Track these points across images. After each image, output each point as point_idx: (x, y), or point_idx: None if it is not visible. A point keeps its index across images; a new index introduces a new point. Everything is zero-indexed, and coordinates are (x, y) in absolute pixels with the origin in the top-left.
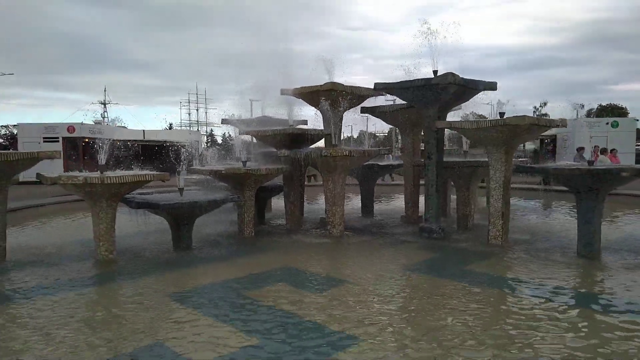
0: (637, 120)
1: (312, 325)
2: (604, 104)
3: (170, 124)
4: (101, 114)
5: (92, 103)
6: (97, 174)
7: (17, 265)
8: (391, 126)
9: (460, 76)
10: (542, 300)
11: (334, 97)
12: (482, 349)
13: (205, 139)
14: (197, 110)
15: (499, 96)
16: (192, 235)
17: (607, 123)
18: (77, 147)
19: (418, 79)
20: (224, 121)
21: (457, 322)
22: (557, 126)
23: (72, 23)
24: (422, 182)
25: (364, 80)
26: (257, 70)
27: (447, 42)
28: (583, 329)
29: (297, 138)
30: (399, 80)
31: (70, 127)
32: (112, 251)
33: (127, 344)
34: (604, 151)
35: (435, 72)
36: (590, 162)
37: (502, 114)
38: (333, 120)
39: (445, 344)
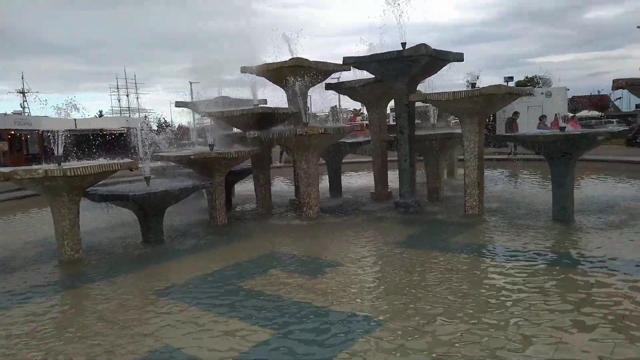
0: (568, 89)
1: (324, 311)
2: (530, 75)
3: (100, 111)
4: (20, 104)
5: (9, 92)
6: (54, 166)
7: None
8: (333, 105)
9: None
10: (535, 264)
11: (299, 74)
12: (508, 316)
13: (142, 125)
14: (127, 96)
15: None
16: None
17: (542, 93)
18: (3, 140)
19: (390, 52)
20: (178, 104)
21: (470, 294)
22: (527, 94)
23: None
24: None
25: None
26: (193, 52)
27: (383, 19)
28: (578, 285)
29: (266, 118)
30: (368, 54)
31: None
32: (78, 250)
33: (130, 351)
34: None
35: (403, 44)
36: (563, 129)
37: (473, 85)
38: (298, 98)
39: (467, 317)
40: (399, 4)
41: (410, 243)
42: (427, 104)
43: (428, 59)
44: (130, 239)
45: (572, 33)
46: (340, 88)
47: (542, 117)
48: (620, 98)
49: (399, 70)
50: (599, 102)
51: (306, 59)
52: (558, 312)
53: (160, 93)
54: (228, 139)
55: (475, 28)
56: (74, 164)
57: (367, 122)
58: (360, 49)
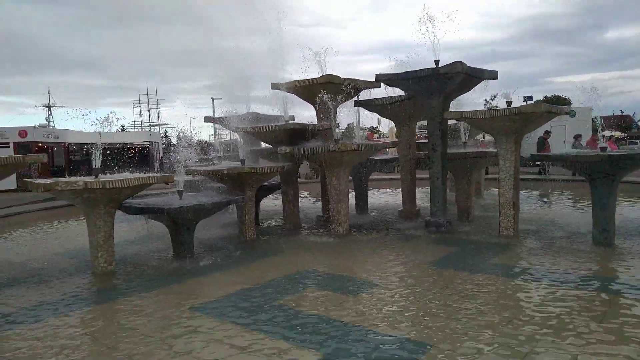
0: (592, 109)
1: (370, 333)
2: (549, 95)
3: (123, 126)
4: (46, 118)
5: (35, 106)
6: (92, 178)
7: (3, 285)
8: (350, 122)
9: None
10: (584, 289)
11: (330, 90)
12: (562, 344)
13: (165, 140)
14: (148, 111)
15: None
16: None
17: (566, 112)
18: (31, 152)
19: (424, 69)
20: (207, 119)
21: (519, 319)
22: (565, 113)
23: (2, 20)
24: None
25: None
26: (211, 69)
27: (397, 37)
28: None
29: (297, 134)
30: (402, 71)
31: (22, 132)
32: (111, 262)
33: None
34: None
35: (436, 62)
36: (604, 149)
37: (509, 103)
38: (330, 115)
39: (519, 346)
40: (432, 22)
41: (447, 264)
42: (458, 122)
43: (463, 77)
44: (161, 252)
45: (591, 52)
46: (371, 105)
47: (577, 136)
48: None
49: (434, 87)
50: (622, 122)
51: (337, 76)
52: (612, 342)
53: (180, 108)
54: (255, 155)
55: (491, 47)
56: (111, 176)
57: (384, 139)
58: (379, 67)
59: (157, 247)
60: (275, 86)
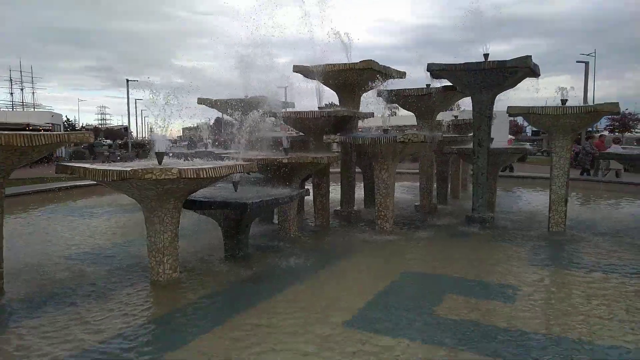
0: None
1: (565, 340)
2: None
3: None
4: None
5: None
6: (146, 164)
7: (27, 302)
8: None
9: None
10: None
11: (368, 77)
12: None
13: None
14: (21, 90)
15: None
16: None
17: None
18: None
19: (490, 61)
20: (200, 101)
21: None
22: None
23: None
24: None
25: (211, 66)
26: (99, 49)
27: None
28: None
29: (344, 122)
30: (462, 62)
31: None
32: (176, 268)
33: None
34: (617, 140)
35: (486, 55)
36: None
37: (564, 101)
38: (352, 103)
39: None
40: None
41: (556, 264)
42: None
43: (524, 72)
44: (206, 253)
45: None
46: (397, 95)
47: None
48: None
49: (490, 81)
50: (515, 127)
51: (377, 62)
52: None
53: (57, 89)
54: (263, 142)
55: (385, 51)
56: (178, 162)
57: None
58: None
59: (200, 247)
60: (298, 69)
